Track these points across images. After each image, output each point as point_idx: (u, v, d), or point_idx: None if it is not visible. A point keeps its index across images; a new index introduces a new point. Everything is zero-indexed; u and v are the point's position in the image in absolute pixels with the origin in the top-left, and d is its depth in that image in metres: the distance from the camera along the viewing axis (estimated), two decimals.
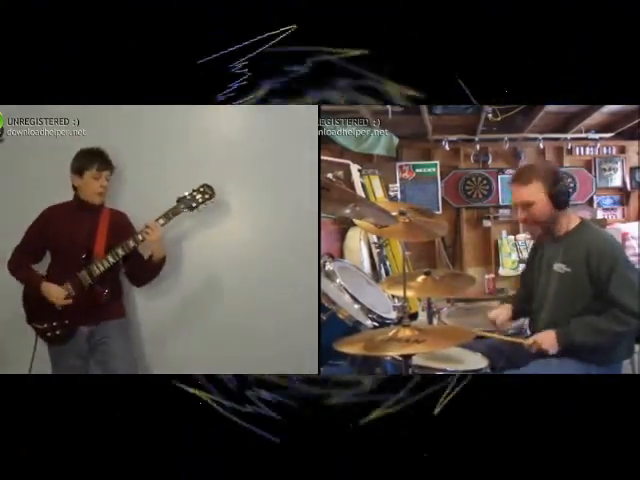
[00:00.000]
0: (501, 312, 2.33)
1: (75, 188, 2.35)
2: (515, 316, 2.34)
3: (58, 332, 2.30)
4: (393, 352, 1.95)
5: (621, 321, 1.95)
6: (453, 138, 5.30)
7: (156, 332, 2.51)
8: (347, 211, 2.13)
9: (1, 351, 2.44)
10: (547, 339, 2.02)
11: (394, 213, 2.39)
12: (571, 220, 2.11)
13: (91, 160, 2.31)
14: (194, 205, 2.32)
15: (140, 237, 2.28)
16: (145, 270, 2.38)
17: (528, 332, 2.33)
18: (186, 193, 2.32)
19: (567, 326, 2.01)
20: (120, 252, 2.28)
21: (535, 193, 2.05)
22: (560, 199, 2.06)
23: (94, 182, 2.32)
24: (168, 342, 2.50)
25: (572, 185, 2.17)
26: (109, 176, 2.35)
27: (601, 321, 1.98)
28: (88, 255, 2.29)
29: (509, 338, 2.22)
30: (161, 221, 2.29)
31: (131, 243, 2.28)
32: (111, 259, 2.28)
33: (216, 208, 2.43)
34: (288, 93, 2.20)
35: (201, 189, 2.33)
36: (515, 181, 2.10)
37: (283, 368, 2.21)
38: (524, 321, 2.45)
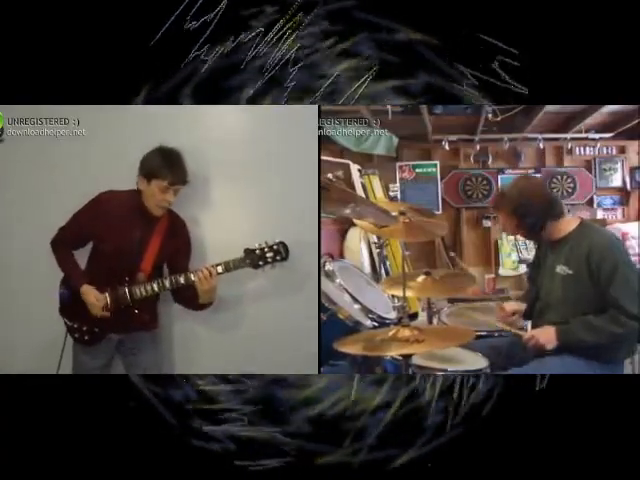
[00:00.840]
0: (519, 307, 2.33)
1: (138, 189, 2.20)
2: (526, 315, 2.33)
3: (86, 337, 2.23)
4: (393, 352, 1.96)
5: (620, 323, 1.94)
6: (453, 138, 5.31)
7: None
8: (347, 211, 2.13)
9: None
10: (546, 334, 2.03)
11: (394, 213, 2.39)
12: (569, 222, 2.11)
13: (165, 170, 2.13)
14: (261, 264, 2.16)
15: (193, 278, 2.15)
16: (189, 302, 2.27)
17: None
18: (257, 246, 2.18)
19: (567, 324, 2.01)
20: (167, 285, 2.17)
21: (505, 219, 2.17)
22: (529, 230, 2.13)
23: (159, 194, 2.14)
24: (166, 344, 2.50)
25: (552, 202, 2.17)
26: (179, 190, 2.18)
27: (599, 321, 1.97)
28: (133, 272, 2.18)
29: (508, 327, 2.23)
30: (219, 269, 2.16)
31: (181, 280, 2.16)
32: (156, 288, 2.17)
33: (216, 208, 2.43)
34: None
35: (275, 247, 2.17)
36: (492, 209, 2.25)
37: (283, 368, 2.21)
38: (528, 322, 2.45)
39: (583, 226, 2.11)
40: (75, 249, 2.27)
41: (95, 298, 2.16)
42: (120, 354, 2.33)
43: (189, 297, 2.24)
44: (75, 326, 2.23)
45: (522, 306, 2.32)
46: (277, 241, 2.18)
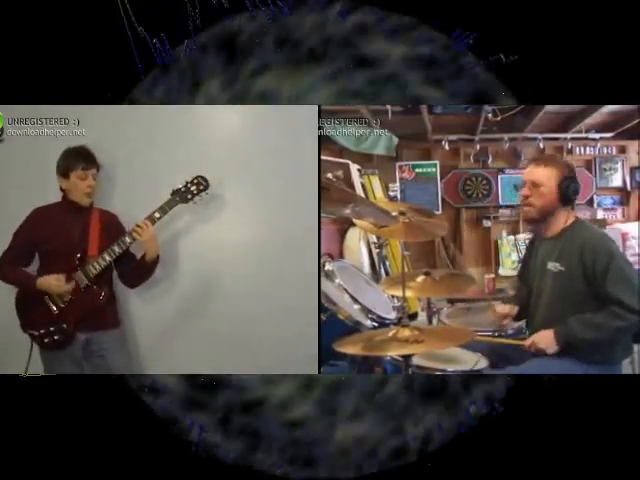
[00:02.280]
0: (510, 310, 2.32)
1: (63, 190, 2.31)
2: (519, 317, 2.33)
3: (56, 337, 2.25)
4: (393, 352, 1.95)
5: (620, 317, 1.94)
6: (453, 138, 5.30)
7: (153, 336, 2.50)
8: (347, 211, 2.13)
9: None
10: (545, 339, 2.02)
11: (394, 213, 2.39)
12: (564, 219, 2.11)
13: (75, 160, 2.27)
14: (189, 197, 2.30)
15: (135, 233, 2.24)
16: (138, 271, 2.34)
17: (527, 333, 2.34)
18: (180, 185, 2.30)
19: (565, 324, 2.01)
20: (117, 249, 2.25)
21: (548, 177, 2.09)
22: (566, 195, 2.07)
23: (81, 183, 2.28)
24: (165, 344, 2.49)
25: (579, 191, 2.14)
26: (96, 175, 2.32)
27: (599, 317, 1.97)
28: (82, 257, 2.25)
29: (508, 340, 2.22)
30: (157, 215, 2.26)
31: (127, 240, 2.25)
32: (107, 257, 2.25)
33: (215, 208, 2.43)
34: None
35: (195, 180, 2.31)
36: (536, 161, 2.16)
37: (283, 368, 2.21)
38: (523, 322, 2.45)
39: (577, 224, 2.11)
40: (23, 265, 2.30)
41: (54, 279, 2.21)
42: (87, 359, 2.31)
43: (134, 264, 2.31)
44: (42, 332, 2.25)
45: (514, 309, 2.32)
46: (195, 175, 2.32)
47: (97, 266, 2.25)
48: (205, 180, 2.32)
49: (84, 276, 2.25)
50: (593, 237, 2.05)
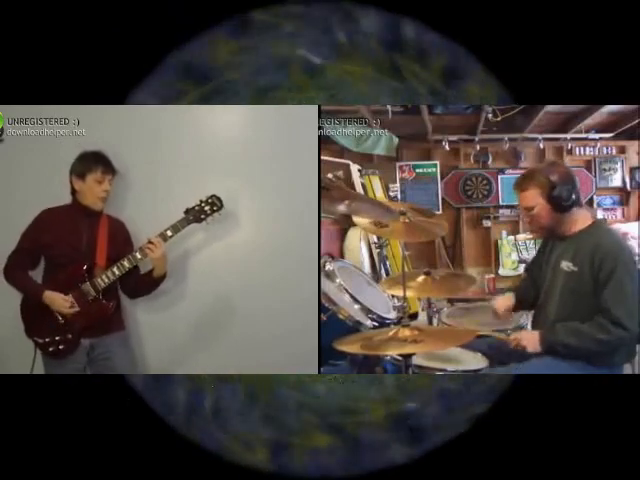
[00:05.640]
0: (504, 302, 2.31)
1: (75, 192, 2.28)
2: (517, 307, 2.31)
3: (62, 347, 2.22)
4: (393, 352, 1.96)
5: (605, 330, 1.92)
6: (453, 138, 5.31)
7: (155, 337, 2.50)
8: (342, 207, 2.12)
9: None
10: (530, 338, 2.03)
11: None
12: (583, 220, 2.08)
13: (95, 163, 2.25)
14: (202, 217, 2.27)
15: (146, 249, 2.21)
16: (142, 284, 2.31)
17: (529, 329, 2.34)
18: (194, 204, 2.27)
19: (552, 328, 2.01)
20: (127, 264, 2.21)
21: (533, 198, 2.06)
22: (559, 203, 2.03)
23: (97, 186, 2.26)
24: (166, 345, 2.49)
25: (577, 187, 2.10)
26: (112, 181, 2.30)
27: (585, 327, 1.96)
28: (90, 267, 2.23)
29: (494, 334, 2.21)
30: (169, 233, 2.23)
31: (138, 255, 2.22)
32: (117, 271, 2.22)
33: None
34: None
35: (209, 200, 2.28)
36: (516, 188, 2.13)
37: (283, 368, 2.21)
38: (524, 320, 2.45)
39: (595, 225, 2.08)
40: (30, 269, 2.28)
41: (61, 299, 2.18)
42: (91, 363, 2.29)
43: (138, 277, 2.30)
44: (47, 340, 2.22)
45: (510, 299, 2.30)
46: (210, 195, 2.30)
47: (105, 279, 2.22)
48: (219, 200, 2.29)
49: (92, 288, 2.22)
50: (608, 240, 2.02)
